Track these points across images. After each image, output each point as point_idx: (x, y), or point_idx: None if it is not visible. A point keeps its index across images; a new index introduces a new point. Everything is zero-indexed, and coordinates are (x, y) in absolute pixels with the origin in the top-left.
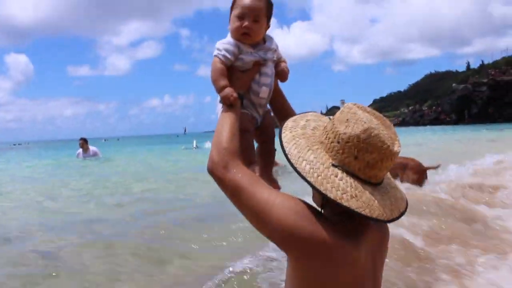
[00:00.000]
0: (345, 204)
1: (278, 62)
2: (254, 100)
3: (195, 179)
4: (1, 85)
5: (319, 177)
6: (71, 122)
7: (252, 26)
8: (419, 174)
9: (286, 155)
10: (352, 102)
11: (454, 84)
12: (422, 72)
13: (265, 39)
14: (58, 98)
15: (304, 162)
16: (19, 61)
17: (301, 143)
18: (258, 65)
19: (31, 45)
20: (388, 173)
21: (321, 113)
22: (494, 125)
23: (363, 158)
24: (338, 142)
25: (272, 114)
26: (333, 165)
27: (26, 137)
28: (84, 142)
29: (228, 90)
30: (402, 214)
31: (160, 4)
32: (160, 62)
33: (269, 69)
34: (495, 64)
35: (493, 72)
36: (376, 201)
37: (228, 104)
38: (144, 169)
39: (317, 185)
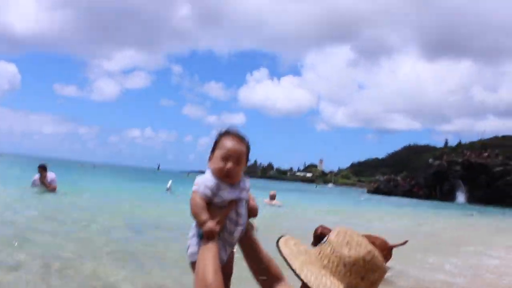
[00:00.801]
0: None
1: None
2: (227, 238)
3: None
4: None
5: None
6: (49, 140)
7: (234, 168)
8: (385, 252)
9: (305, 283)
10: (345, 226)
11: (430, 159)
12: (401, 142)
13: (240, 179)
14: (40, 114)
15: None
16: (7, 70)
17: (311, 269)
18: (234, 203)
19: (22, 56)
20: None
21: (298, 169)
22: (467, 205)
23: (369, 278)
24: (344, 266)
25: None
26: None
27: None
28: (43, 170)
29: (211, 224)
30: None
31: (156, 37)
32: (148, 94)
33: (243, 209)
34: (472, 145)
35: (468, 153)
36: None
37: (210, 238)
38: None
39: None
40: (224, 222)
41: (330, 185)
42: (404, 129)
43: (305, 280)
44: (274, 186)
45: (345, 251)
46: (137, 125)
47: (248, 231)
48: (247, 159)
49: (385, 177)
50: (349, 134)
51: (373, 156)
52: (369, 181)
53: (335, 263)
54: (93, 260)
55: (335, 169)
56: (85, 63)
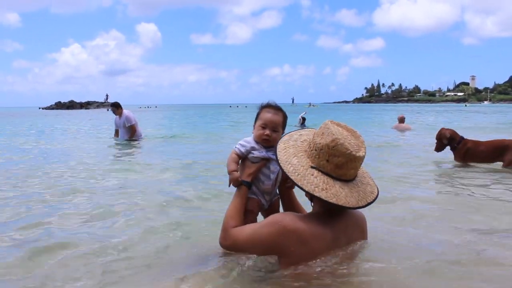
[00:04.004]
0: (317, 194)
1: None
2: (261, 187)
3: None
4: (133, 52)
5: (299, 176)
6: (195, 87)
7: (271, 134)
8: None
9: (277, 160)
10: (330, 120)
11: None
12: None
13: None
14: (183, 65)
15: (289, 165)
16: (148, 30)
17: (289, 151)
18: (266, 161)
19: (159, 15)
20: (366, 174)
21: (448, 89)
22: None
23: (333, 161)
24: (315, 150)
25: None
26: (311, 166)
27: (153, 100)
28: (115, 108)
29: (235, 174)
30: (369, 203)
31: None
32: (281, 31)
33: (274, 167)
34: None
35: None
36: (343, 193)
37: (234, 185)
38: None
39: (296, 181)
40: (255, 175)
41: (485, 102)
42: None
43: (278, 159)
44: (419, 108)
45: (318, 139)
46: (275, 64)
47: (285, 185)
48: (284, 126)
49: None
50: (503, 44)
51: None
52: None
53: (311, 148)
54: None
55: (491, 85)
56: (216, 10)
